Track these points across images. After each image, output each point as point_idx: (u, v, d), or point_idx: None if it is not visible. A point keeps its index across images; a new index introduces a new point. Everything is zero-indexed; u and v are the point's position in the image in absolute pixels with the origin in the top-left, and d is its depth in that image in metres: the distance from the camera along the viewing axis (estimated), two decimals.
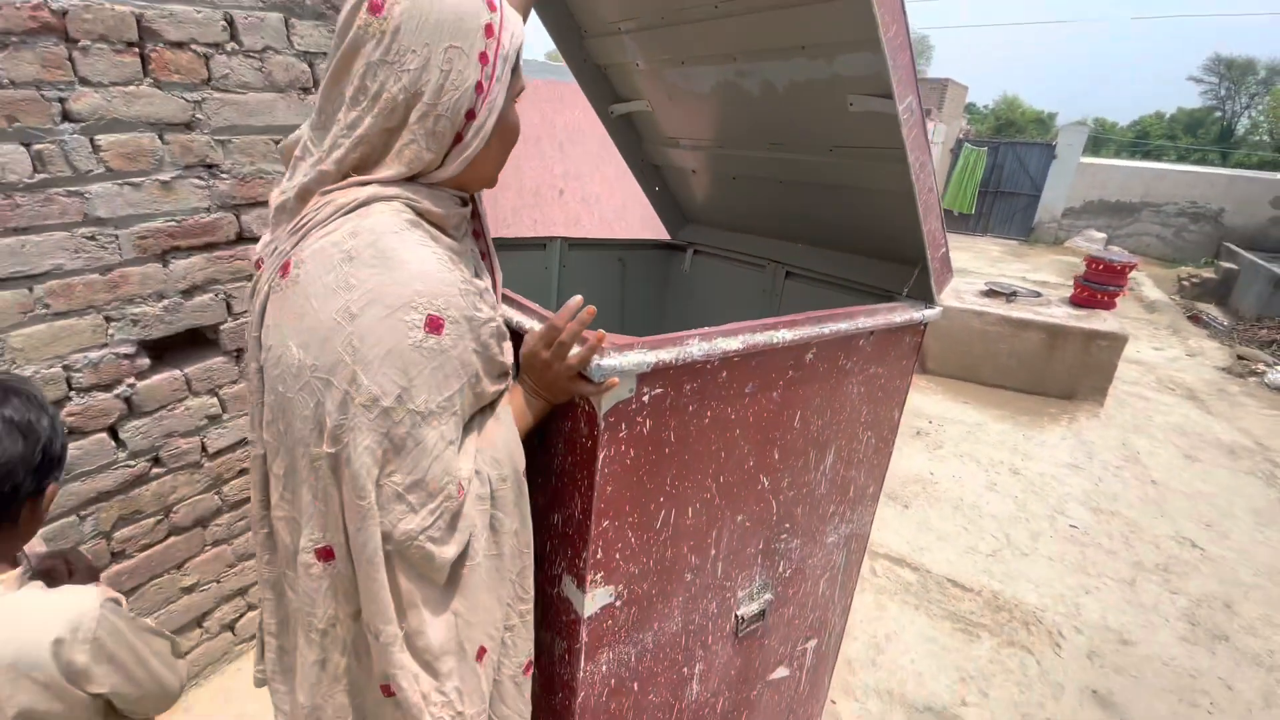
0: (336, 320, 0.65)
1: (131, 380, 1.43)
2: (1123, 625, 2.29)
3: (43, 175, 1.23)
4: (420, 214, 0.72)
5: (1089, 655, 2.15)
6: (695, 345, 0.86)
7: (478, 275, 0.82)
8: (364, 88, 0.68)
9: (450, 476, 0.70)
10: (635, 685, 1.10)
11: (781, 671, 1.49)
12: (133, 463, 1.48)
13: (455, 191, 0.77)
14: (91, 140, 1.29)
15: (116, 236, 1.36)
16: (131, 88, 1.32)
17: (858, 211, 1.39)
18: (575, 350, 0.78)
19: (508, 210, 2.69)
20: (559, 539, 0.98)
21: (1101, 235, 12.25)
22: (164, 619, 1.64)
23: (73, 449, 1.37)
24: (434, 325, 0.66)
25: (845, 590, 1.56)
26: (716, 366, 0.92)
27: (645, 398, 0.85)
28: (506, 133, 0.78)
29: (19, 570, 0.80)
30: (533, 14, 1.13)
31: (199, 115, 1.44)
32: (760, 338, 0.95)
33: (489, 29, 0.69)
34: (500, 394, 0.81)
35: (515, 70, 0.75)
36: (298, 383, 0.67)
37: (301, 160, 0.73)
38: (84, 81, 1.25)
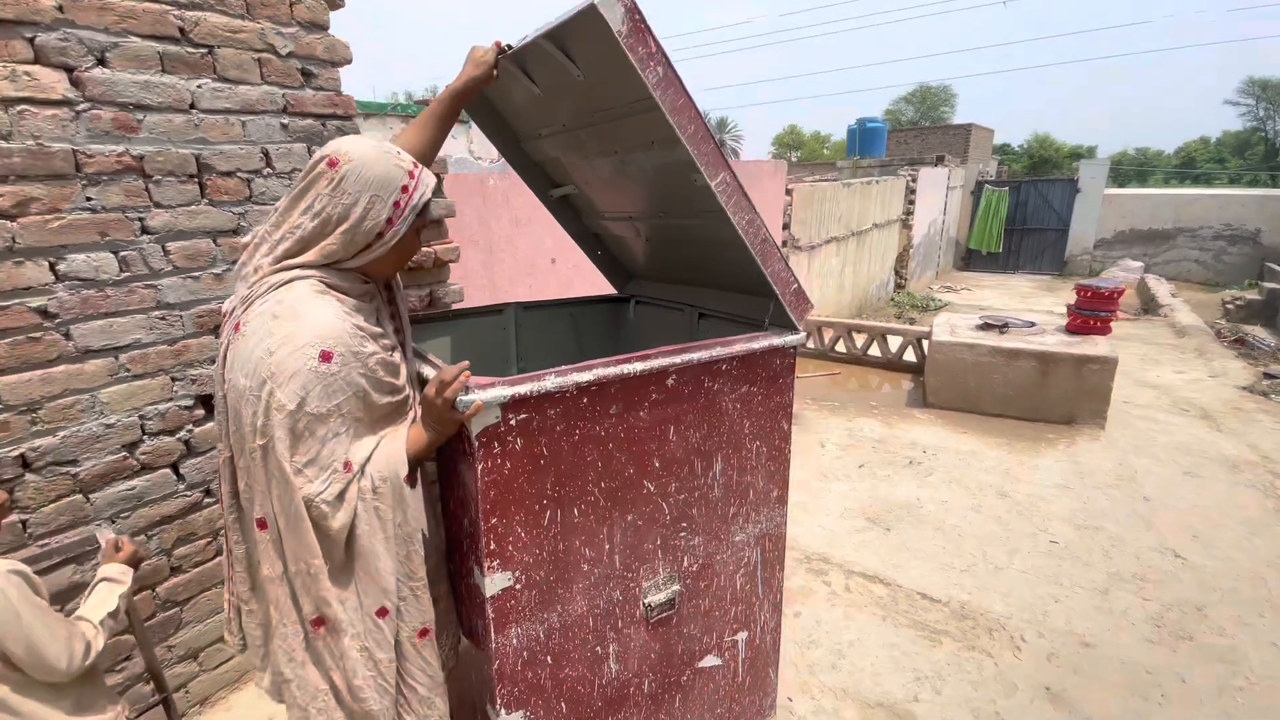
0: (262, 356, 1.01)
1: (190, 426, 1.85)
2: (1087, 630, 2.37)
3: (126, 274, 1.70)
4: (329, 286, 1.12)
5: (1048, 657, 2.25)
6: (550, 380, 1.19)
7: (380, 326, 1.20)
8: (311, 207, 1.10)
9: (336, 458, 1.06)
10: (548, 659, 1.36)
11: (712, 660, 1.72)
12: (190, 493, 1.88)
13: (361, 275, 1.19)
14: (163, 246, 1.76)
15: (181, 316, 1.81)
16: (192, 207, 1.80)
17: (733, 260, 1.72)
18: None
19: (504, 280, 3.12)
20: (466, 536, 1.29)
21: (1138, 264, 12.03)
22: (210, 627, 2.00)
23: (143, 481, 1.78)
24: (325, 357, 1.03)
25: (769, 587, 1.79)
26: (576, 395, 1.24)
27: (512, 421, 1.17)
28: (405, 249, 1.22)
29: None
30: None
31: (242, 223, 1.91)
32: (612, 370, 1.27)
33: (405, 188, 1.14)
34: (394, 408, 1.19)
35: (422, 213, 1.18)
36: (241, 400, 1.03)
37: (259, 248, 1.15)
38: (157, 204, 1.73)
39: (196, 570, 1.95)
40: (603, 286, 2.41)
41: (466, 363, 1.13)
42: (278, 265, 1.11)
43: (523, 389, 1.16)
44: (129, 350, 1.72)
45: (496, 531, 1.21)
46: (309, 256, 1.11)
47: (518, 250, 3.13)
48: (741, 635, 1.77)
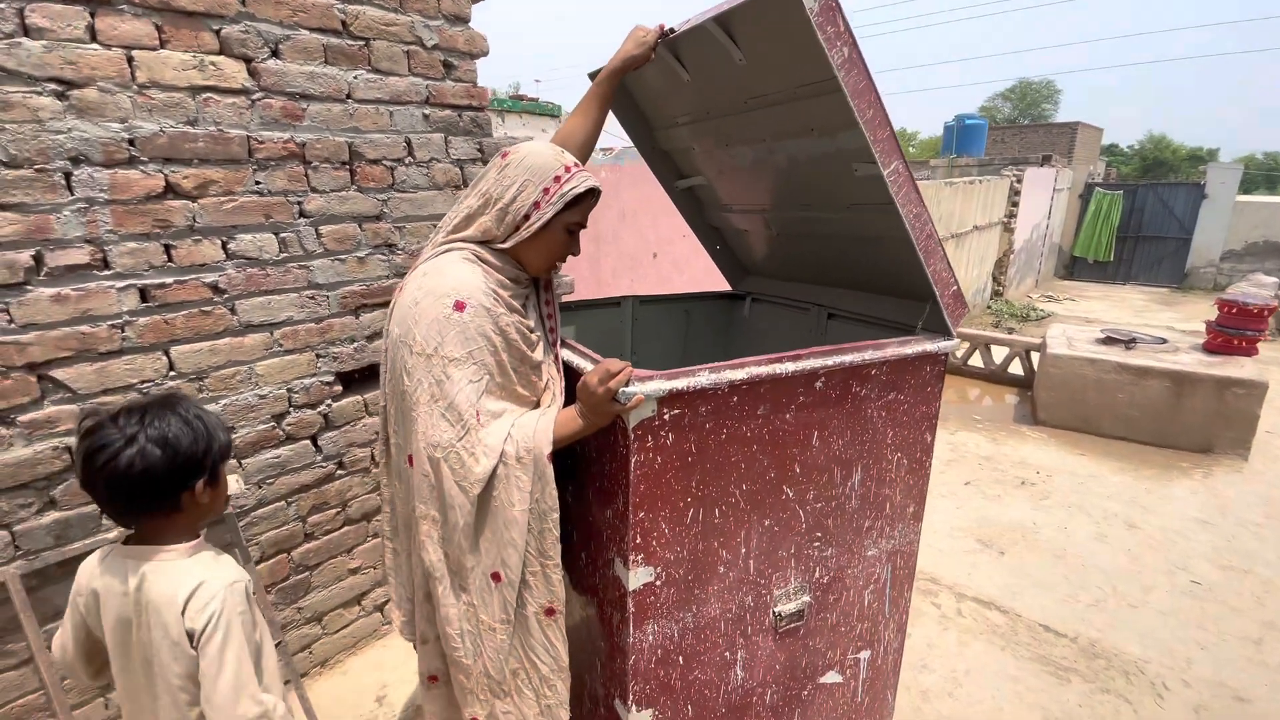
0: (408, 306, 1.13)
1: (329, 401, 1.95)
2: (1241, 683, 2.14)
3: (285, 254, 1.79)
4: (481, 259, 1.19)
5: (1195, 709, 2.04)
6: (704, 376, 1.16)
7: (525, 311, 1.25)
8: (480, 189, 1.20)
9: (471, 404, 1.10)
10: (680, 659, 1.34)
11: (833, 676, 1.65)
12: (325, 464, 1.98)
13: (515, 261, 1.24)
14: (316, 230, 1.85)
15: (328, 297, 1.90)
16: (343, 193, 1.88)
17: (879, 258, 1.63)
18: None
19: (608, 272, 3.13)
20: (610, 529, 1.28)
21: (1272, 279, 10.82)
22: (334, 593, 2.10)
23: (287, 450, 1.88)
24: (459, 306, 1.11)
25: (896, 606, 1.70)
26: (727, 393, 1.20)
27: (666, 416, 1.14)
28: (553, 244, 1.24)
29: (193, 542, 1.03)
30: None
31: (385, 210, 1.98)
32: (763, 369, 1.22)
33: (557, 178, 1.18)
34: (532, 389, 1.23)
35: (572, 208, 1.20)
36: (394, 347, 1.15)
37: (440, 229, 1.26)
38: (314, 189, 1.82)
39: (327, 538, 2.04)
40: (700, 281, 2.37)
41: (629, 365, 1.12)
42: (445, 239, 1.22)
43: (679, 384, 1.14)
44: (282, 326, 1.82)
45: (643, 526, 1.19)
46: (469, 232, 1.21)
47: (622, 244, 3.13)
48: (864, 654, 1.69)
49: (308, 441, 1.94)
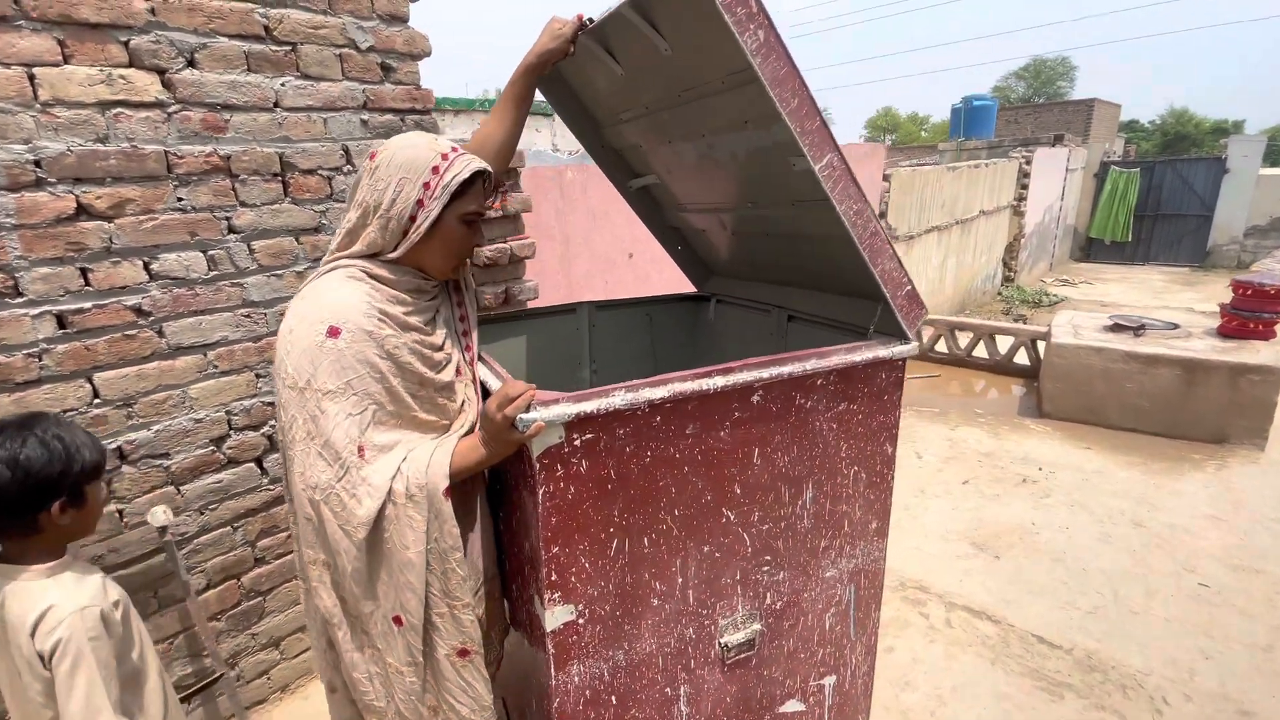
0: (283, 336, 1.05)
1: (273, 421, 1.88)
2: (1246, 695, 2.00)
3: (214, 272, 1.72)
4: (370, 275, 1.09)
5: None
6: (619, 396, 1.06)
7: (431, 326, 1.14)
8: (357, 200, 1.10)
9: (351, 441, 1.00)
10: (613, 699, 1.24)
11: (794, 705, 1.55)
12: (272, 487, 1.91)
13: (417, 271, 1.14)
14: (249, 245, 1.77)
15: (265, 314, 1.83)
16: (276, 205, 1.81)
17: (832, 257, 1.52)
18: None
19: (580, 275, 3.03)
20: (526, 563, 1.19)
21: None
22: (290, 617, 2.04)
23: (229, 474, 1.82)
24: (333, 332, 1.01)
25: (863, 628, 1.60)
26: (648, 413, 1.10)
27: (576, 442, 1.05)
28: (450, 240, 1.13)
29: (53, 563, 1.04)
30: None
31: (324, 221, 1.91)
32: (689, 386, 1.12)
33: (435, 169, 1.07)
34: (441, 412, 1.13)
35: (461, 197, 1.10)
36: (274, 381, 1.08)
37: (330, 245, 1.17)
38: (243, 204, 1.75)
39: (279, 562, 1.98)
40: (681, 283, 2.26)
41: (533, 385, 1.03)
42: (330, 259, 1.13)
43: (589, 406, 1.04)
44: (217, 347, 1.75)
45: (558, 561, 1.10)
46: (355, 247, 1.11)
47: (594, 245, 3.04)
48: (829, 680, 1.59)
49: (252, 464, 1.87)
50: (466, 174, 1.08)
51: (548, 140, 2.69)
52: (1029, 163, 9.22)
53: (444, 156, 1.08)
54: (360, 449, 1.01)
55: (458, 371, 1.19)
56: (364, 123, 1.95)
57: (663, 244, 2.15)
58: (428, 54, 2.07)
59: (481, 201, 1.15)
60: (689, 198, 1.88)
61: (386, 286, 1.09)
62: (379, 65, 1.95)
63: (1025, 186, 9.29)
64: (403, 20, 1.98)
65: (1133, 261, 12.15)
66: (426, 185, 1.06)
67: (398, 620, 1.08)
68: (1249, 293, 3.86)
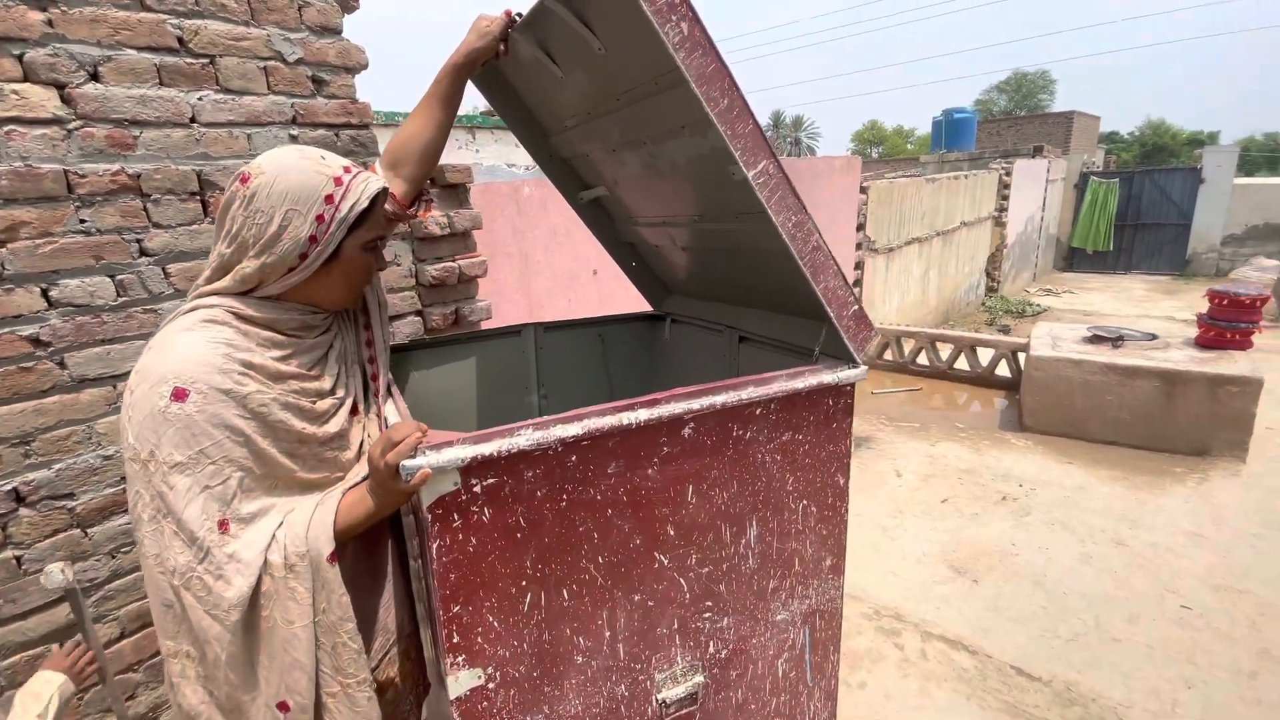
0: (125, 397, 0.90)
1: None
2: None
3: (124, 299, 1.60)
4: (240, 316, 0.94)
5: None
6: (525, 436, 0.95)
7: (317, 369, 1.01)
8: (229, 232, 0.94)
9: (209, 518, 0.87)
10: None
11: None
12: None
13: (304, 305, 1.00)
14: (163, 269, 1.66)
15: None
16: (194, 226, 1.70)
17: (778, 273, 1.43)
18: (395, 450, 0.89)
19: (542, 294, 2.93)
20: (426, 620, 1.08)
21: (1275, 263, 10.54)
22: None
23: None
24: (179, 395, 0.86)
25: (821, 672, 1.49)
26: (561, 452, 1.00)
27: (476, 488, 0.94)
28: (353, 271, 1.01)
29: None
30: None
31: None
32: (607, 421, 1.02)
33: (329, 198, 0.94)
34: (329, 460, 1.00)
35: (362, 225, 0.99)
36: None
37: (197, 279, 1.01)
38: (156, 225, 1.64)
39: None
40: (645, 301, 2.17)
41: (422, 426, 0.91)
42: (194, 296, 0.97)
43: (489, 448, 0.93)
44: (126, 378, 1.63)
45: (460, 621, 0.99)
46: (224, 283, 0.95)
47: (556, 262, 2.94)
48: None
49: None
50: (366, 202, 0.97)
51: (498, 156, 2.60)
52: (1009, 174, 9.26)
53: (338, 181, 0.94)
54: (223, 523, 0.89)
55: (354, 411, 1.07)
56: (293, 138, 1.85)
57: (617, 260, 2.06)
58: (363, 66, 1.98)
59: (384, 223, 1.05)
60: (639, 211, 1.79)
61: (259, 328, 0.95)
62: (309, 79, 1.85)
63: (1006, 198, 9.32)
64: (335, 32, 1.89)
65: (1115, 271, 12.22)
66: (320, 218, 0.93)
67: (283, 706, 0.95)
68: (1225, 303, 3.81)
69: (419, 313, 2.28)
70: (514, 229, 2.71)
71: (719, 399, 1.13)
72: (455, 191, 2.31)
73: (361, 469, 1.04)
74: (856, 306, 1.27)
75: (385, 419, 1.14)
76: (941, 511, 3.23)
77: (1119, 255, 12.22)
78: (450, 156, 2.76)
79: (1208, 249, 11.25)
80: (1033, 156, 10.67)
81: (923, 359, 5.56)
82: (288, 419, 0.94)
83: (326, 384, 1.02)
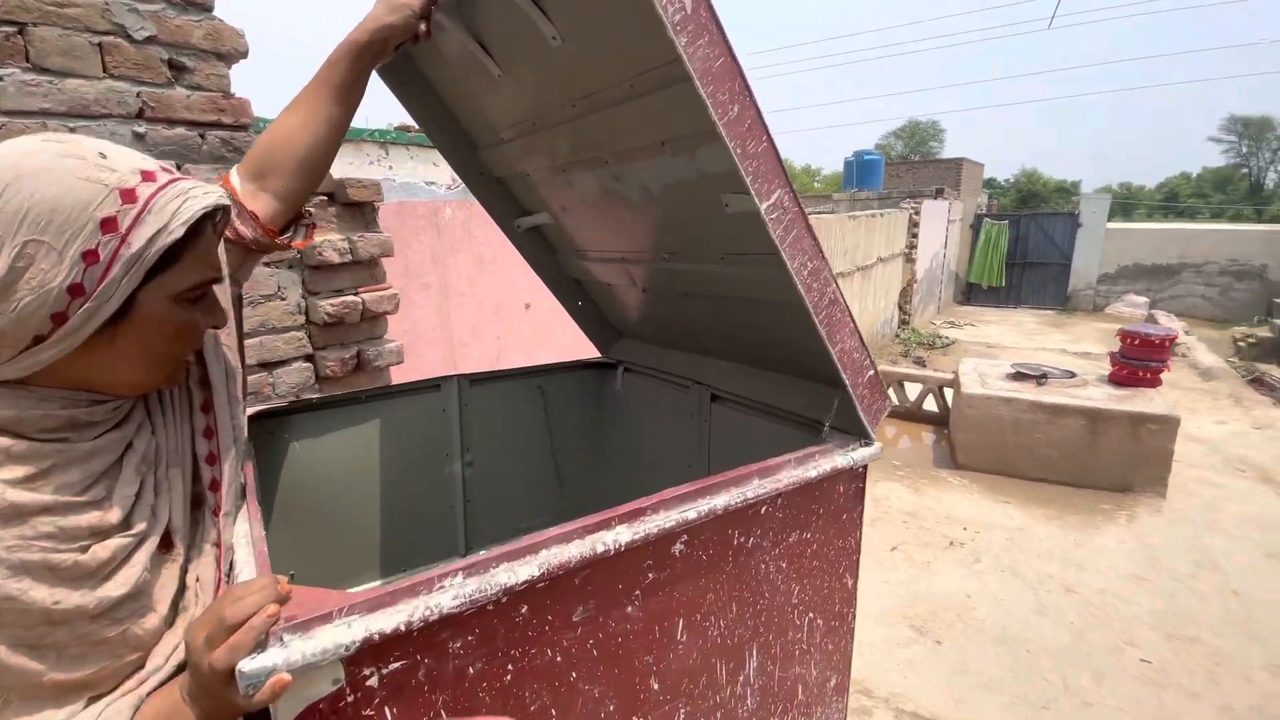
0: None
1: None
2: None
3: None
4: None
5: None
6: (450, 591, 0.63)
7: (97, 489, 0.63)
8: None
9: None
10: None
11: None
12: None
13: (68, 390, 0.62)
14: None
15: None
16: None
17: (770, 326, 1.18)
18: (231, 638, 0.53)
19: (465, 330, 2.57)
20: None
21: (1143, 299, 11.69)
22: None
23: None
24: None
25: None
26: (506, 604, 0.68)
27: (372, 681, 0.60)
28: (152, 336, 0.63)
29: None
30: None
31: None
32: (573, 550, 0.71)
33: (109, 223, 0.57)
34: (93, 650, 0.60)
35: (177, 263, 0.62)
36: None
37: None
38: None
39: None
40: (588, 342, 1.87)
41: (279, 589, 0.56)
42: None
43: (391, 619, 0.60)
44: None
45: None
46: None
47: (483, 294, 2.59)
48: None
49: None
50: (180, 230, 0.60)
51: (415, 172, 2.25)
52: (918, 213, 9.73)
53: (128, 195, 0.58)
54: None
55: (167, 546, 0.68)
56: (140, 136, 1.43)
57: (559, 299, 1.75)
58: (242, 54, 1.59)
59: (217, 262, 0.69)
60: (590, 243, 1.50)
61: (17, 438, 0.59)
62: (164, 62, 1.45)
63: (915, 235, 9.78)
64: (203, 8, 1.50)
65: (1007, 305, 13.13)
66: (90, 256, 0.57)
67: None
68: (1136, 342, 3.98)
69: (309, 358, 1.87)
70: (433, 256, 2.34)
71: (719, 501, 0.85)
72: (360, 211, 1.93)
73: (179, 653, 0.66)
74: (872, 371, 1.03)
75: (229, 557, 0.75)
76: (893, 561, 3.08)
77: (1010, 290, 13.16)
78: (355, 170, 2.37)
79: (1086, 286, 12.31)
80: (935, 198, 11.33)
81: None
82: (23, 590, 0.56)
83: (113, 515, 0.63)
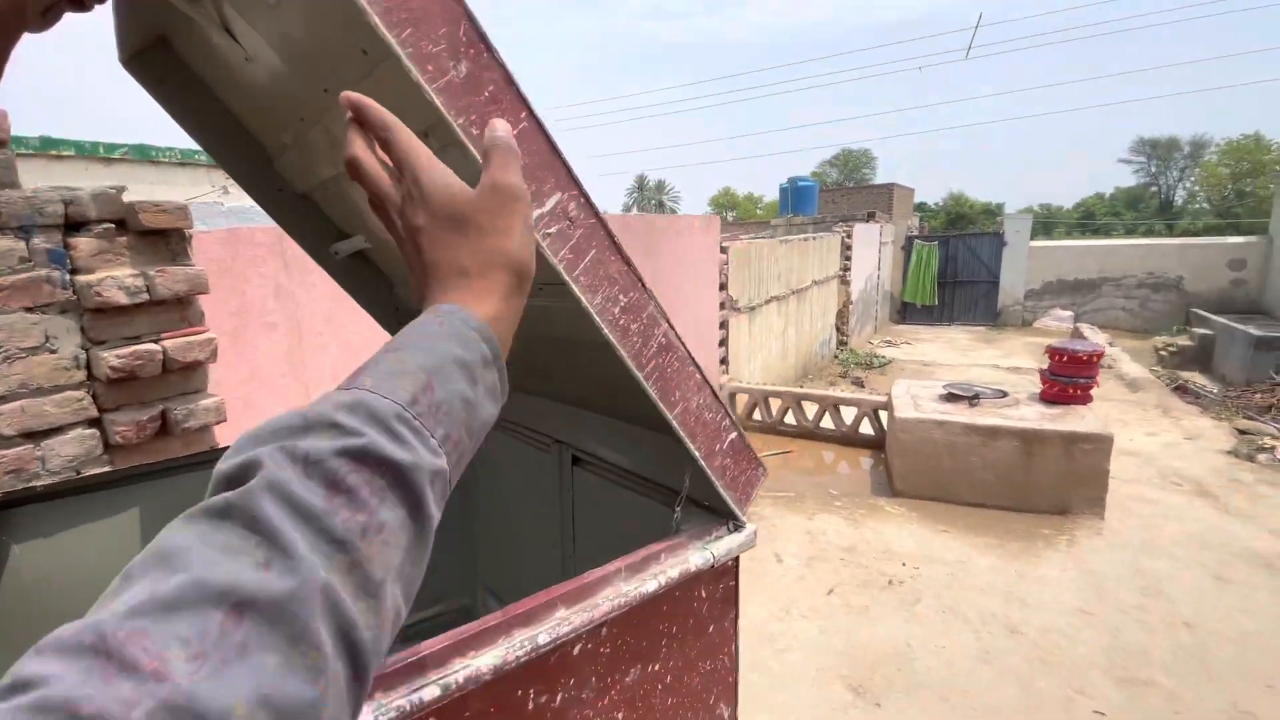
0: None
1: None
2: None
3: None
4: None
5: None
6: None
7: None
8: None
9: None
10: None
11: None
12: None
13: None
14: None
15: None
16: None
17: (611, 376, 0.91)
18: None
19: (324, 377, 2.21)
20: None
21: (1068, 313, 12.14)
22: None
23: None
24: None
25: None
26: None
27: None
28: None
29: None
30: None
31: None
32: None
33: None
34: None
35: None
36: None
37: None
38: None
39: None
40: None
41: None
42: None
43: None
44: None
45: None
46: None
47: (346, 331, 2.25)
48: None
49: None
50: None
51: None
52: (850, 236, 9.85)
53: None
54: None
55: None
56: None
57: (391, 332, 1.44)
58: None
59: None
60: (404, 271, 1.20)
61: None
62: None
63: (849, 258, 9.88)
64: None
65: (940, 322, 13.46)
66: None
67: None
68: (1065, 359, 3.94)
69: (94, 422, 1.50)
70: (278, 290, 2.00)
71: (488, 660, 0.56)
72: (163, 241, 1.59)
73: None
74: (734, 435, 0.77)
75: None
76: (829, 607, 2.84)
77: (943, 309, 13.51)
78: (175, 193, 2.01)
79: (1014, 302, 12.74)
80: (867, 221, 11.57)
81: (790, 418, 5.38)
82: None
83: None
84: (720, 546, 0.76)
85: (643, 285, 0.67)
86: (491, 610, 1.34)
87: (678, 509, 0.80)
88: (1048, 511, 3.64)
